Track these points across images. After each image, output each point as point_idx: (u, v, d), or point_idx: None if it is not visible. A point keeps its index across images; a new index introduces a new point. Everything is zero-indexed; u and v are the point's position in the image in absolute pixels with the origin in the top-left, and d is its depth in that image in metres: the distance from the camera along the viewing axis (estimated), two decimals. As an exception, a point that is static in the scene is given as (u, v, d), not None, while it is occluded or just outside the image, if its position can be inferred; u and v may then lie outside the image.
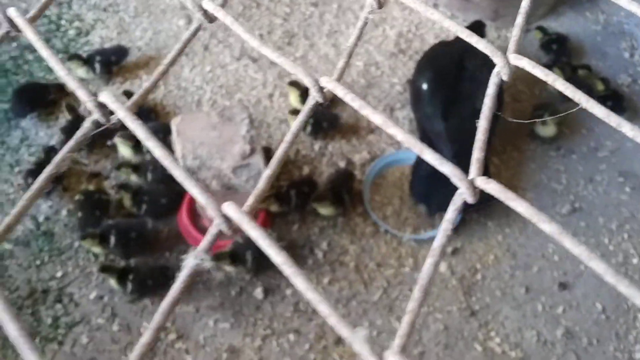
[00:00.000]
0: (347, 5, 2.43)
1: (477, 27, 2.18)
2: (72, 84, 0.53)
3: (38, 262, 1.74)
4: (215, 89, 2.14)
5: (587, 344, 1.72)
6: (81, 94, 0.52)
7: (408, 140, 0.50)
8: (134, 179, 1.85)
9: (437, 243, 0.45)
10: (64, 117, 2.00)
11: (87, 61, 2.07)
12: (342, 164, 1.98)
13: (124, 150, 1.88)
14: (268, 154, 1.74)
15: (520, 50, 1.82)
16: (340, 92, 0.54)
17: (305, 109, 0.55)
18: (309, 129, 1.98)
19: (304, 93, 2.07)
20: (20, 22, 0.56)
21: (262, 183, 0.49)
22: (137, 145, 1.88)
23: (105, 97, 0.52)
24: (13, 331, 0.39)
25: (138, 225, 1.76)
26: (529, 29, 2.36)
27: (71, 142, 0.52)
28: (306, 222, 1.84)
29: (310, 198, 1.81)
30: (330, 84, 0.55)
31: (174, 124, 1.55)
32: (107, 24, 2.30)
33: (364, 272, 1.78)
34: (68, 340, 1.63)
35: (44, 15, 2.18)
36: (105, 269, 1.68)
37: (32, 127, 2.00)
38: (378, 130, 2.07)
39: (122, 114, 0.51)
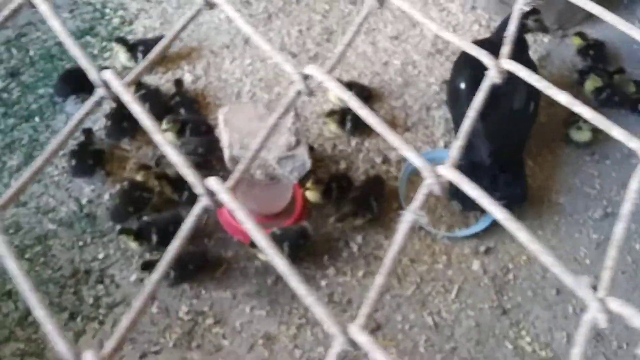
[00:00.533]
0: (385, 4, 2.45)
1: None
2: (80, 58, 0.55)
3: (81, 243, 1.79)
4: (255, 82, 2.18)
5: (616, 347, 1.73)
6: (88, 67, 0.54)
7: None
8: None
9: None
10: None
11: (131, 48, 2.12)
12: (378, 160, 2.00)
13: (169, 137, 1.92)
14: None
15: (557, 56, 1.85)
16: (327, 80, 0.54)
17: (287, 99, 0.56)
18: (348, 125, 2.00)
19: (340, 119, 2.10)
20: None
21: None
22: (181, 131, 1.93)
23: (107, 74, 0.54)
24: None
25: (174, 219, 1.79)
26: (566, 34, 2.38)
27: (77, 115, 0.54)
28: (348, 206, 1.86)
29: (340, 211, 1.86)
30: (316, 73, 0.55)
31: (222, 114, 1.58)
32: (150, 14, 2.35)
33: (397, 267, 1.81)
34: (109, 320, 1.67)
35: (88, 2, 2.24)
36: (146, 266, 1.71)
37: (76, 112, 2.04)
38: (414, 128, 2.10)
39: (120, 89, 0.54)
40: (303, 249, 1.77)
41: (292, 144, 1.54)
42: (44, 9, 0.58)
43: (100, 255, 1.77)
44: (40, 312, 0.42)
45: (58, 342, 0.40)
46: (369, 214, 1.84)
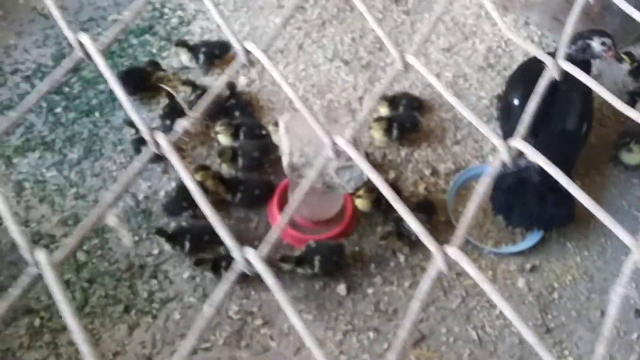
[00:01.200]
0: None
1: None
2: (61, 24, 0.60)
3: (136, 238, 1.84)
4: (308, 88, 2.22)
5: (658, 372, 1.74)
6: (67, 33, 0.59)
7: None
8: (226, 167, 1.95)
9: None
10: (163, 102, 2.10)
11: (192, 49, 2.17)
12: (427, 172, 2.03)
13: (224, 139, 1.97)
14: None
15: (609, 76, 1.85)
16: (265, 61, 0.62)
17: (228, 70, 0.63)
18: (395, 133, 2.03)
19: (391, 102, 2.12)
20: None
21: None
22: (235, 134, 1.98)
23: (83, 37, 0.59)
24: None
25: (209, 229, 1.82)
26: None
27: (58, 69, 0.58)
28: (390, 225, 1.89)
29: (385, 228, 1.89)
30: (256, 51, 0.62)
31: (283, 121, 1.62)
32: (207, 15, 2.40)
33: (443, 280, 1.83)
34: (161, 315, 1.72)
35: (148, 1, 2.29)
36: (199, 262, 1.76)
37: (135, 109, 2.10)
38: (464, 142, 2.12)
39: (94, 51, 0.58)
40: (336, 265, 1.80)
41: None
42: (99, 61, 0.62)
43: (155, 251, 1.82)
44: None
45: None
46: (411, 238, 1.85)
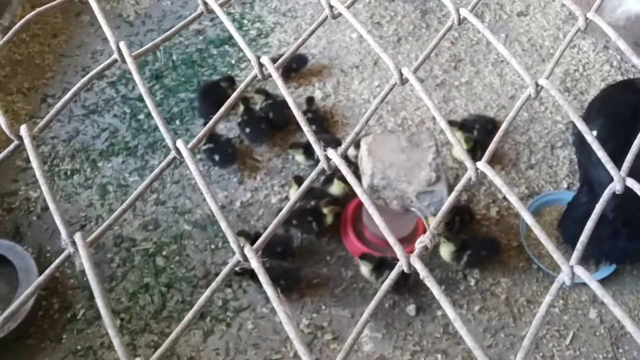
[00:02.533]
0: (514, 37, 2.46)
1: None
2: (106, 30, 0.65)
3: (213, 247, 1.90)
4: (382, 105, 2.23)
5: None
6: (110, 37, 0.66)
7: None
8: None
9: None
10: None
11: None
12: (499, 196, 2.02)
13: (299, 158, 2.02)
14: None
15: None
16: (274, 74, 0.66)
17: (245, 81, 0.67)
18: (478, 154, 2.02)
19: (461, 127, 2.12)
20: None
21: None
22: (307, 151, 2.02)
23: (122, 44, 0.66)
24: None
25: (284, 241, 1.88)
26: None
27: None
28: (463, 249, 1.90)
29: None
30: (269, 66, 0.66)
31: (365, 143, 1.65)
32: (285, 28, 2.45)
33: (513, 306, 1.83)
34: (235, 324, 1.77)
35: (228, 12, 2.36)
36: (238, 273, 1.82)
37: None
38: (538, 166, 2.10)
39: (128, 58, 0.64)
40: (399, 285, 1.81)
41: (432, 180, 1.58)
42: (132, 68, 0.67)
43: (230, 260, 1.87)
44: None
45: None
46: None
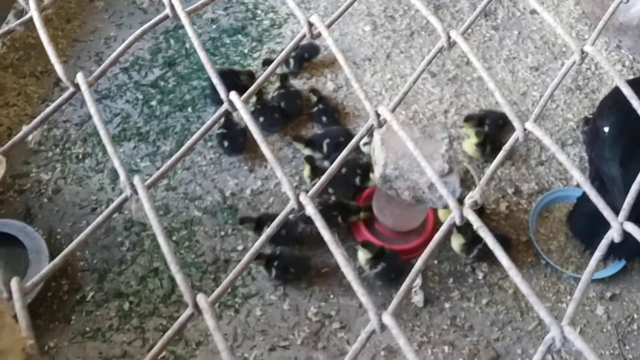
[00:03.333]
0: (527, 34, 2.46)
1: None
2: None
3: (222, 233, 1.91)
4: (394, 98, 2.23)
5: None
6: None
7: None
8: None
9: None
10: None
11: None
12: (509, 191, 2.03)
13: (305, 151, 2.03)
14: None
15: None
16: (324, 32, 0.69)
17: (294, 40, 0.70)
18: (488, 149, 2.03)
19: (478, 125, 2.12)
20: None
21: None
22: (310, 143, 2.02)
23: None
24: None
25: (287, 224, 1.88)
26: None
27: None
28: (473, 241, 1.90)
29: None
30: (319, 25, 0.70)
31: (378, 133, 1.65)
32: (298, 19, 2.44)
33: (521, 301, 1.83)
34: (243, 310, 1.78)
35: (242, 2, 2.36)
36: (256, 257, 1.82)
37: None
38: (548, 163, 2.11)
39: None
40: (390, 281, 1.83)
41: (444, 171, 1.58)
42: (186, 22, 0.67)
43: (240, 247, 1.88)
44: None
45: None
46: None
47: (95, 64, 2.29)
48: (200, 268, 1.84)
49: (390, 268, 1.79)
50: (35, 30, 2.30)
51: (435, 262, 1.89)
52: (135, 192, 0.54)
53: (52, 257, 1.78)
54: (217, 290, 0.51)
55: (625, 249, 1.87)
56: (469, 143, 2.04)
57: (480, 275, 1.87)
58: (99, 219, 0.54)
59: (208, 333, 1.74)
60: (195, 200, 1.97)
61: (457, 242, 1.84)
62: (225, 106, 0.62)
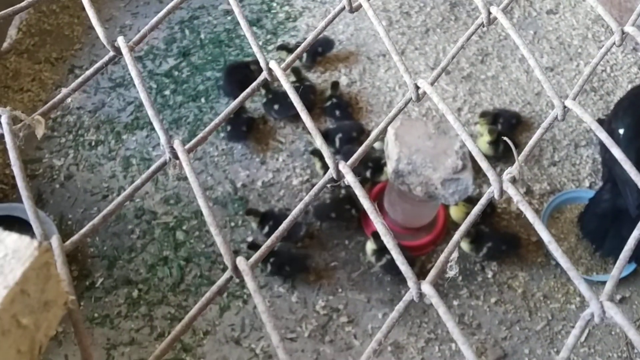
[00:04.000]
0: (542, 34, 2.45)
1: None
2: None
3: (232, 224, 1.91)
4: (407, 94, 2.23)
5: None
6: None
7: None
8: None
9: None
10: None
11: (293, 51, 2.22)
12: (521, 191, 2.02)
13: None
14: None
15: None
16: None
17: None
18: (501, 147, 2.02)
19: (492, 123, 2.11)
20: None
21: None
22: (324, 137, 2.01)
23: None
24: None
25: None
26: None
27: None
28: (480, 240, 1.89)
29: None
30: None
31: (392, 127, 1.65)
32: (313, 12, 2.44)
33: (530, 300, 1.82)
34: (251, 301, 1.78)
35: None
36: (252, 246, 1.84)
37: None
38: (561, 164, 2.10)
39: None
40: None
41: (458, 167, 1.58)
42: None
43: (249, 239, 1.88)
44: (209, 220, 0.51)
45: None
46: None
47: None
48: (209, 258, 1.85)
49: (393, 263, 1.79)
50: (50, 16, 2.32)
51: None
52: (175, 156, 0.54)
53: (63, 242, 1.78)
54: (257, 253, 0.51)
55: (638, 251, 1.86)
56: (482, 141, 2.03)
57: (490, 274, 1.86)
58: (137, 182, 0.55)
59: (216, 322, 1.74)
60: (207, 191, 1.97)
61: (464, 243, 1.83)
62: (264, 74, 0.63)
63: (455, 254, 0.51)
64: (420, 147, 1.61)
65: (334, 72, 2.27)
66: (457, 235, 0.52)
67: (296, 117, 2.13)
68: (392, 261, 1.79)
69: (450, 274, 1.83)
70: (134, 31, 2.35)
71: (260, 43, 2.34)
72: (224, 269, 1.77)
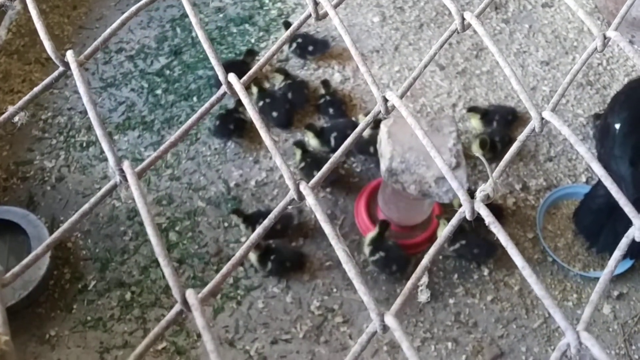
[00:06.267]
0: (538, 27, 2.42)
1: None
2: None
3: (226, 224, 1.89)
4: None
5: None
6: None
7: None
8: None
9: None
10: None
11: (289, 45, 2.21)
12: (517, 187, 2.00)
13: (312, 141, 2.00)
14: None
15: None
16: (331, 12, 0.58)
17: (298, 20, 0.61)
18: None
19: (483, 115, 2.09)
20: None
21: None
22: (321, 135, 2.00)
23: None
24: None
25: (282, 219, 1.86)
26: None
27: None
28: (479, 235, 1.88)
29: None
30: (326, 4, 0.59)
31: (385, 125, 1.63)
32: (306, 9, 2.41)
33: (526, 298, 1.81)
34: (245, 302, 1.77)
35: (250, -8, 2.32)
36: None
37: (230, 97, 2.15)
38: (557, 159, 2.08)
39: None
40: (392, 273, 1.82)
41: (452, 165, 1.56)
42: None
43: (243, 239, 1.86)
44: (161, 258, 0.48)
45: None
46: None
47: (101, 51, 2.26)
48: (203, 259, 1.83)
49: (390, 259, 1.77)
50: (41, 17, 2.28)
51: (440, 257, 1.87)
52: (124, 178, 0.51)
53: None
54: (208, 286, 0.48)
55: (633, 247, 1.84)
56: (475, 147, 2.01)
57: (486, 272, 1.85)
58: (86, 206, 0.52)
59: (210, 324, 1.72)
60: (199, 191, 1.95)
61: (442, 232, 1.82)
62: (223, 89, 0.59)
63: (424, 279, 0.49)
64: (413, 145, 1.58)
65: (327, 69, 2.25)
66: (425, 260, 0.50)
67: (291, 125, 2.11)
68: (385, 258, 1.77)
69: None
70: (125, 30, 2.32)
71: (253, 40, 2.32)
72: (217, 270, 1.76)
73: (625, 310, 1.82)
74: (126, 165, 0.51)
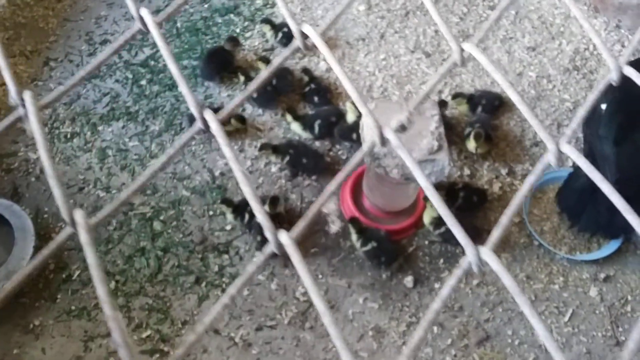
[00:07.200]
0: (524, 14, 2.42)
1: None
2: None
3: (210, 213, 1.89)
4: (387, 78, 2.21)
5: None
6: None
7: None
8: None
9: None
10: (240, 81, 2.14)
11: (276, 28, 2.21)
12: (503, 172, 2.00)
13: (294, 126, 2.00)
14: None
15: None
16: (321, 45, 0.59)
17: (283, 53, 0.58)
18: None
19: (469, 100, 2.08)
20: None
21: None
22: (301, 118, 2.00)
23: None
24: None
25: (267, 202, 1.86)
26: None
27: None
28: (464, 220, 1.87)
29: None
30: (313, 35, 0.60)
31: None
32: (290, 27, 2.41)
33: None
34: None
35: (236, -18, 2.32)
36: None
37: (216, 87, 2.15)
38: (543, 144, 2.07)
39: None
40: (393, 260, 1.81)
41: (434, 148, 1.55)
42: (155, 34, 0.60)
43: (228, 227, 1.86)
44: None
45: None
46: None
47: (86, 43, 2.27)
48: (187, 247, 1.82)
49: (380, 250, 1.76)
50: (25, 9, 2.29)
51: (426, 242, 1.86)
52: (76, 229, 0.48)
53: (38, 235, 1.76)
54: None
55: (613, 227, 1.83)
56: (472, 145, 1.99)
57: (472, 256, 1.84)
58: (45, 252, 0.47)
59: (194, 312, 1.72)
60: (184, 180, 1.94)
61: (428, 215, 1.81)
62: (197, 125, 0.55)
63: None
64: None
65: (313, 58, 2.24)
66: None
67: (277, 103, 2.11)
68: (377, 248, 1.77)
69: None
70: (110, 22, 2.32)
71: (238, 30, 2.32)
72: (202, 259, 1.75)
73: (612, 292, 1.82)
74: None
